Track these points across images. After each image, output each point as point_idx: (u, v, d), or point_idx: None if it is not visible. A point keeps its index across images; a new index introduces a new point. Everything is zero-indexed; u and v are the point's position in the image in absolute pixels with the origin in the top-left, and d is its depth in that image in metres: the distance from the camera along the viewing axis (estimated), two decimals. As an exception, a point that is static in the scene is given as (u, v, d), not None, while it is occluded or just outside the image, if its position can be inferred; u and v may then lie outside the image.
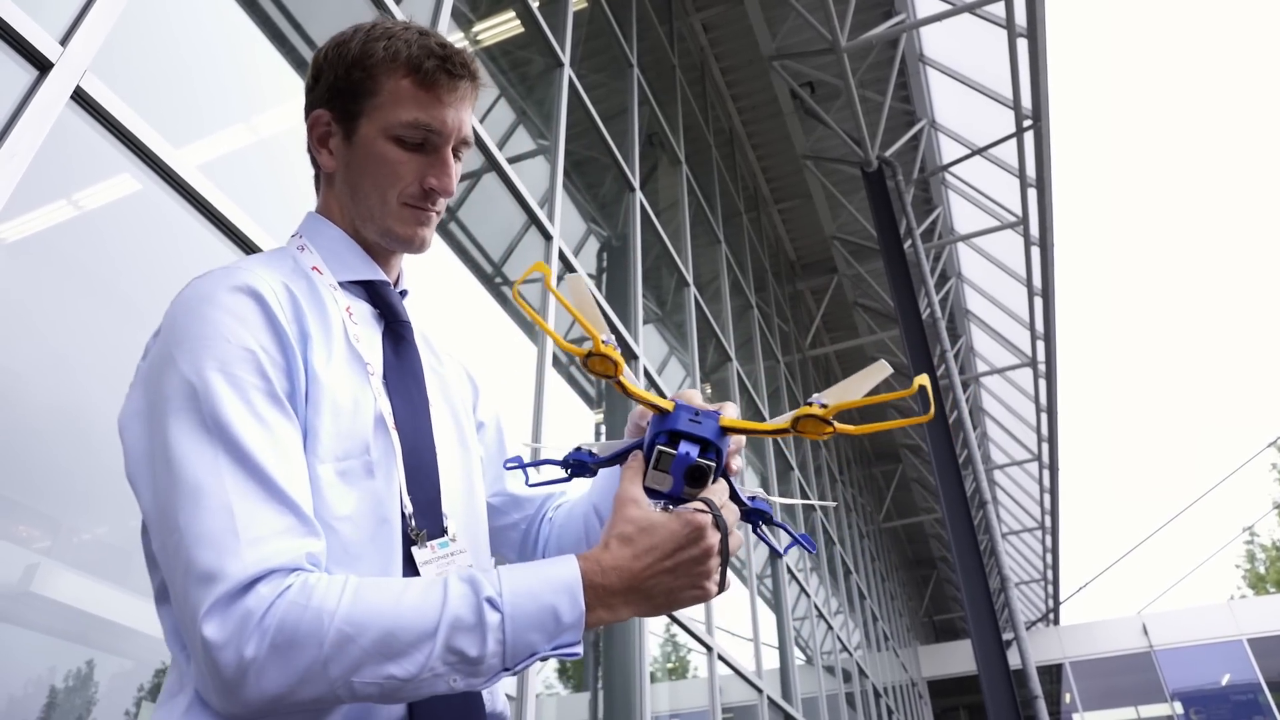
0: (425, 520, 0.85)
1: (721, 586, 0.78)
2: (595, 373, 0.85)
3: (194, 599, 0.67)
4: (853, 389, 0.78)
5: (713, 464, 0.81)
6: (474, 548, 0.93)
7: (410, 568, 0.82)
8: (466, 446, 1.00)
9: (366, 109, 0.93)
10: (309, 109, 0.99)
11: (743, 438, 0.87)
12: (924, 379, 0.74)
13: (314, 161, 1.02)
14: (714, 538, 0.75)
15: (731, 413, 0.85)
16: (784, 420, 0.81)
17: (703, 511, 0.76)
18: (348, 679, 0.66)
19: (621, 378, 0.86)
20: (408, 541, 0.82)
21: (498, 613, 0.70)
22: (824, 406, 0.78)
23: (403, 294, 1.02)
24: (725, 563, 0.78)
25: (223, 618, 0.66)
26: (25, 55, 1.79)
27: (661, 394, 0.86)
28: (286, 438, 0.76)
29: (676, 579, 0.75)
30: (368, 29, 0.96)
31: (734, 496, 0.88)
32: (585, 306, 0.85)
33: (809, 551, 0.85)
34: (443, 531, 0.86)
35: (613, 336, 0.86)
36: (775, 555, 0.95)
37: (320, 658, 0.66)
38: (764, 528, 0.92)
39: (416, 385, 0.93)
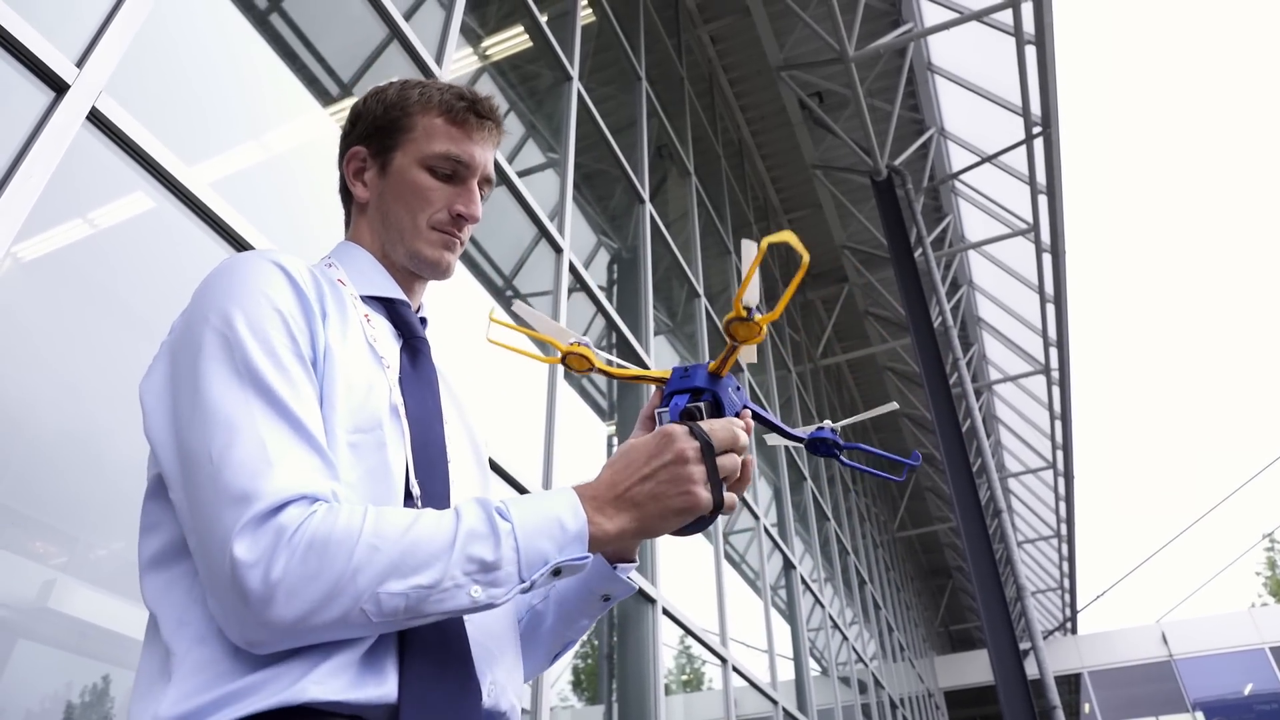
0: (432, 506, 0.85)
1: (718, 502, 0.81)
2: (577, 370, 0.98)
3: (227, 520, 0.69)
4: (744, 278, 0.83)
5: (702, 404, 0.89)
6: None
7: None
8: (483, 466, 1.04)
9: (401, 142, 1.02)
10: (345, 149, 1.07)
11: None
12: (778, 235, 0.79)
13: (345, 198, 1.09)
14: (685, 443, 0.80)
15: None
16: (727, 340, 0.88)
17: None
18: (374, 590, 0.69)
19: (601, 366, 0.98)
20: None
21: (508, 521, 0.75)
22: (746, 310, 0.84)
23: (422, 321, 1.06)
24: (715, 476, 0.81)
25: (254, 536, 0.68)
26: (42, 77, 1.82)
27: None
28: (308, 393, 0.80)
29: (658, 485, 0.80)
30: (402, 81, 1.06)
31: (778, 429, 0.99)
32: (540, 324, 0.99)
33: (914, 466, 0.97)
34: None
35: (580, 336, 0.99)
36: (893, 481, 0.98)
37: (349, 569, 0.69)
38: (846, 455, 0.99)
39: (430, 392, 0.96)
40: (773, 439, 1.04)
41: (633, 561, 0.98)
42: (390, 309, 1.00)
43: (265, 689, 0.70)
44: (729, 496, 0.83)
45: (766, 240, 0.79)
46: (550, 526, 0.76)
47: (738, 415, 0.90)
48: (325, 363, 0.85)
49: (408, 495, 0.84)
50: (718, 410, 0.89)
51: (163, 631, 0.75)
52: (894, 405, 1.10)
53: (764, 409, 0.99)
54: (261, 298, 0.83)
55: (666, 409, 0.90)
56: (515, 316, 1.06)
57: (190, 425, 0.76)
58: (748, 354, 0.92)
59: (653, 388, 0.97)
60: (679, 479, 0.79)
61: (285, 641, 0.69)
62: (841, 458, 1.00)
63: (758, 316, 0.85)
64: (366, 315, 0.95)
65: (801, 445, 1.01)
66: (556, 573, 0.76)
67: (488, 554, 0.73)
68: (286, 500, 0.71)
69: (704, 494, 0.80)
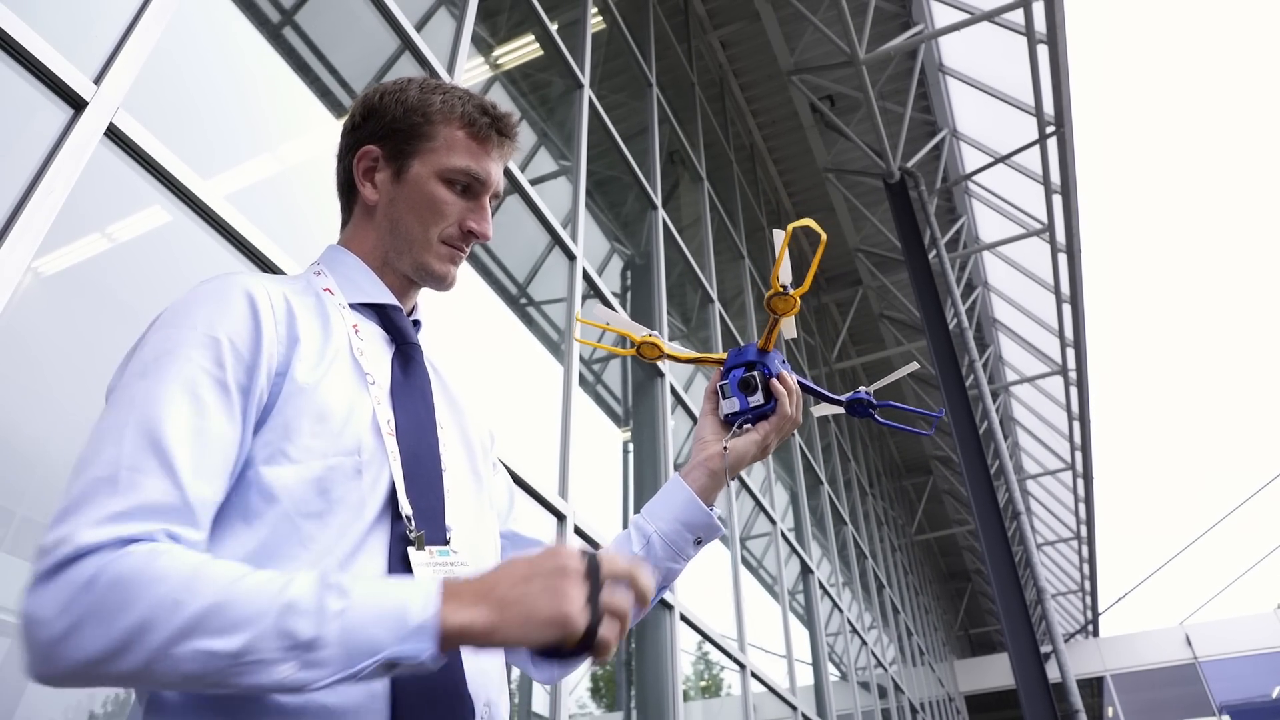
0: (426, 524, 0.85)
1: (591, 627, 0.70)
2: (649, 358, 1.15)
3: (42, 542, 0.67)
4: (777, 259, 1.00)
5: (756, 374, 1.07)
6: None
7: (404, 569, 0.81)
8: (478, 475, 1.01)
9: (421, 151, 1.00)
10: (354, 145, 1.03)
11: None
12: (800, 221, 1.00)
13: (347, 195, 1.06)
14: (570, 560, 0.72)
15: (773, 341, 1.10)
16: (769, 315, 1.06)
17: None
18: (168, 649, 0.63)
19: (669, 352, 1.16)
20: (405, 542, 0.82)
21: (342, 600, 0.67)
22: (782, 287, 1.02)
23: (416, 324, 1.05)
24: (595, 600, 0.71)
25: (57, 573, 0.65)
26: (61, 95, 1.85)
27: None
28: (216, 423, 0.77)
29: (529, 587, 0.70)
30: (420, 82, 1.04)
31: (821, 395, 1.16)
32: (614, 320, 1.16)
33: (939, 417, 1.24)
34: (445, 541, 0.86)
35: (647, 329, 1.16)
36: (919, 434, 1.13)
37: (145, 621, 0.63)
38: (878, 414, 1.16)
39: (423, 402, 0.95)
40: (819, 409, 1.21)
41: (714, 506, 1.10)
42: (381, 314, 0.99)
43: None
44: (606, 633, 0.70)
45: (791, 225, 0.98)
46: (390, 614, 0.67)
47: (778, 378, 1.08)
48: (284, 393, 0.82)
49: (397, 516, 0.83)
50: (767, 379, 1.08)
51: None
52: (915, 365, 1.24)
53: (809, 380, 1.16)
54: (199, 322, 0.81)
55: (727, 381, 1.09)
56: (596, 317, 1.21)
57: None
58: (788, 328, 1.09)
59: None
60: (555, 590, 0.70)
61: (68, 684, 0.65)
62: (876, 416, 1.16)
63: (792, 291, 1.02)
64: (355, 326, 0.93)
65: (841, 409, 1.17)
66: (391, 665, 0.67)
67: (305, 631, 0.65)
68: (102, 541, 0.67)
69: (575, 611, 0.69)
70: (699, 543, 1.08)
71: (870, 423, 1.23)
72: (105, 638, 0.63)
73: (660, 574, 1.07)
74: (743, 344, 1.13)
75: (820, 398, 1.19)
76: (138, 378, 0.78)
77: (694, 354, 1.17)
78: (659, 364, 5.19)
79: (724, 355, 1.12)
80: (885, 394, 1.16)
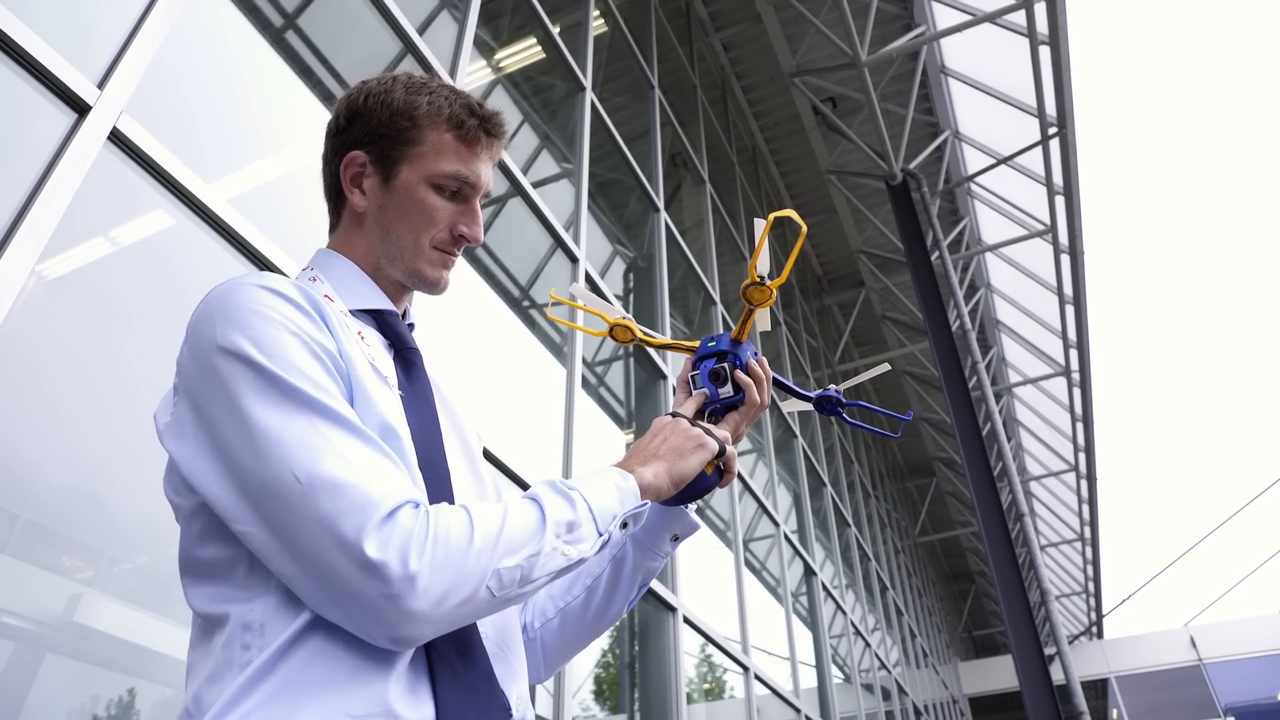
0: None
1: (720, 443, 0.99)
2: (622, 341, 1.15)
3: (344, 529, 0.72)
4: (756, 249, 1.01)
5: (726, 365, 1.07)
6: None
7: None
8: (479, 476, 1.02)
9: (409, 156, 0.98)
10: (340, 149, 1.02)
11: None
12: (782, 212, 0.99)
13: (335, 199, 1.05)
14: (679, 419, 0.99)
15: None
16: (744, 305, 1.06)
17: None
18: (495, 567, 0.76)
19: (642, 336, 1.15)
20: None
21: (574, 490, 0.85)
22: (760, 277, 1.03)
23: (410, 326, 1.05)
24: (708, 430, 0.99)
25: (381, 537, 0.72)
26: (65, 99, 1.85)
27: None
28: (349, 407, 0.81)
29: (672, 441, 0.97)
30: (405, 80, 1.01)
31: (792, 390, 1.17)
32: (591, 302, 1.15)
33: (907, 420, 1.18)
34: None
35: (624, 312, 1.15)
36: (886, 435, 1.16)
37: (471, 553, 0.75)
38: (845, 413, 1.16)
39: (429, 408, 0.95)
40: (787, 405, 1.21)
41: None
42: (379, 320, 0.99)
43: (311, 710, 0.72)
44: (724, 435, 1.01)
45: (773, 215, 0.97)
46: (608, 487, 0.88)
47: (755, 360, 1.08)
48: (350, 375, 0.85)
49: None
50: (736, 369, 1.07)
51: (229, 629, 0.78)
52: (886, 367, 1.25)
53: (781, 376, 1.17)
54: (270, 323, 0.80)
55: (698, 372, 1.08)
56: (571, 296, 1.20)
57: (256, 457, 0.74)
58: (763, 320, 1.08)
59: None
60: (687, 434, 0.97)
61: (427, 630, 0.73)
62: (844, 414, 1.16)
63: (769, 282, 1.02)
64: (360, 333, 0.93)
65: (810, 405, 1.17)
66: (624, 525, 0.88)
67: (569, 515, 0.83)
68: (398, 504, 0.74)
69: (710, 439, 0.97)
70: (676, 539, 1.08)
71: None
72: (448, 576, 0.76)
73: (641, 573, 1.08)
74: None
75: (790, 393, 1.18)
76: (258, 383, 0.78)
77: (667, 340, 1.15)
78: (658, 363, 5.20)
79: (696, 343, 1.11)
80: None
